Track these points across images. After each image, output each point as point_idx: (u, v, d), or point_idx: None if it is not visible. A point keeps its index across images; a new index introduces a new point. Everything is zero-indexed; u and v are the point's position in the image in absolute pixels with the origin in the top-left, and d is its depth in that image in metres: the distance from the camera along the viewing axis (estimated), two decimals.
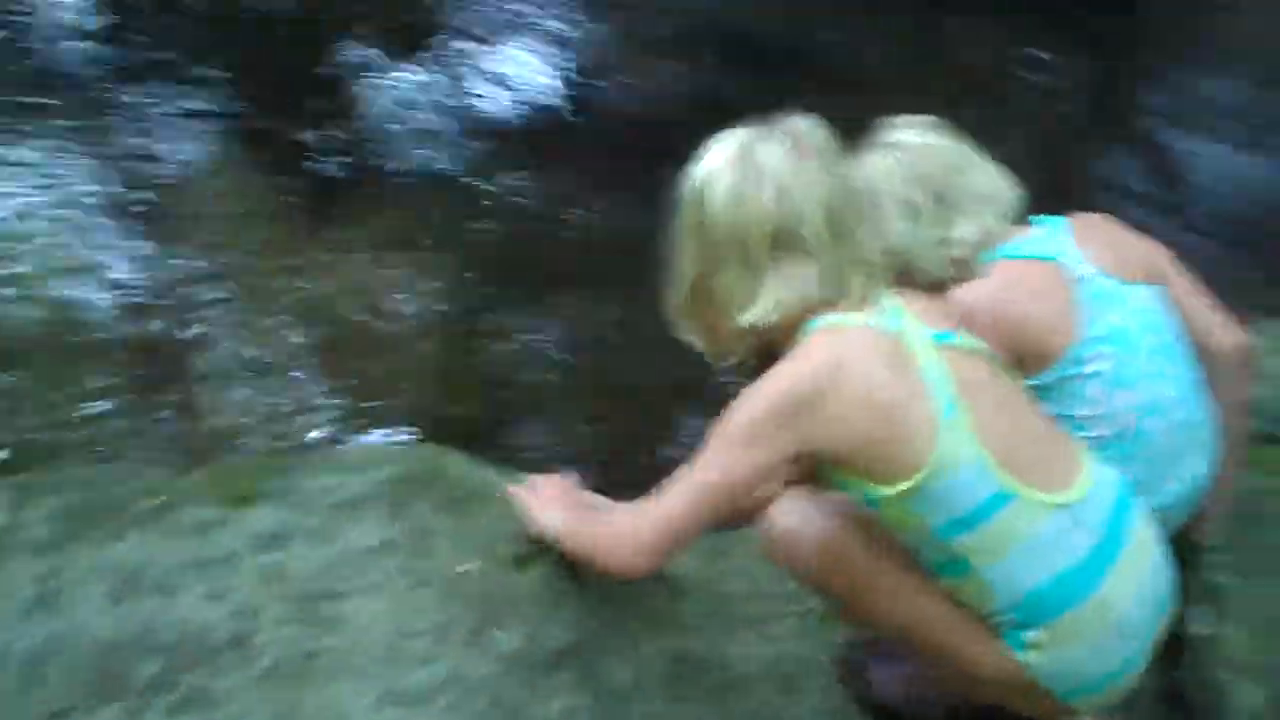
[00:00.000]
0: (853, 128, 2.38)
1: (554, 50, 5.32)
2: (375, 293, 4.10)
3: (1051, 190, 2.90)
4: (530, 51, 5.29)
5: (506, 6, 5.44)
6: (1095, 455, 2.22)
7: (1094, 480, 2.12)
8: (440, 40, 5.32)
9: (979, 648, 2.10)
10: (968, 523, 2.01)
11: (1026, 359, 2.40)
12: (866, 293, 2.08)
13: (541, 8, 5.48)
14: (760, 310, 2.08)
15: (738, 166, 2.07)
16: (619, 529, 2.11)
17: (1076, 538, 2.05)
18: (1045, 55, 5.26)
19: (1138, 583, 2.10)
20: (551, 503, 2.30)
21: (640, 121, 4.82)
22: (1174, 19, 5.10)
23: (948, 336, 2.10)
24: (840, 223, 2.07)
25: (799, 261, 2.06)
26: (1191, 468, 2.53)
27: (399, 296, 4.10)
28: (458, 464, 2.54)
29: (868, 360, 2.01)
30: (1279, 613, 2.59)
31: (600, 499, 2.38)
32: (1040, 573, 2.03)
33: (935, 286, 2.40)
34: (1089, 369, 2.44)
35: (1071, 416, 2.40)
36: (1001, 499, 2.01)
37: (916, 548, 2.10)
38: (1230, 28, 5.07)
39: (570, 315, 4.09)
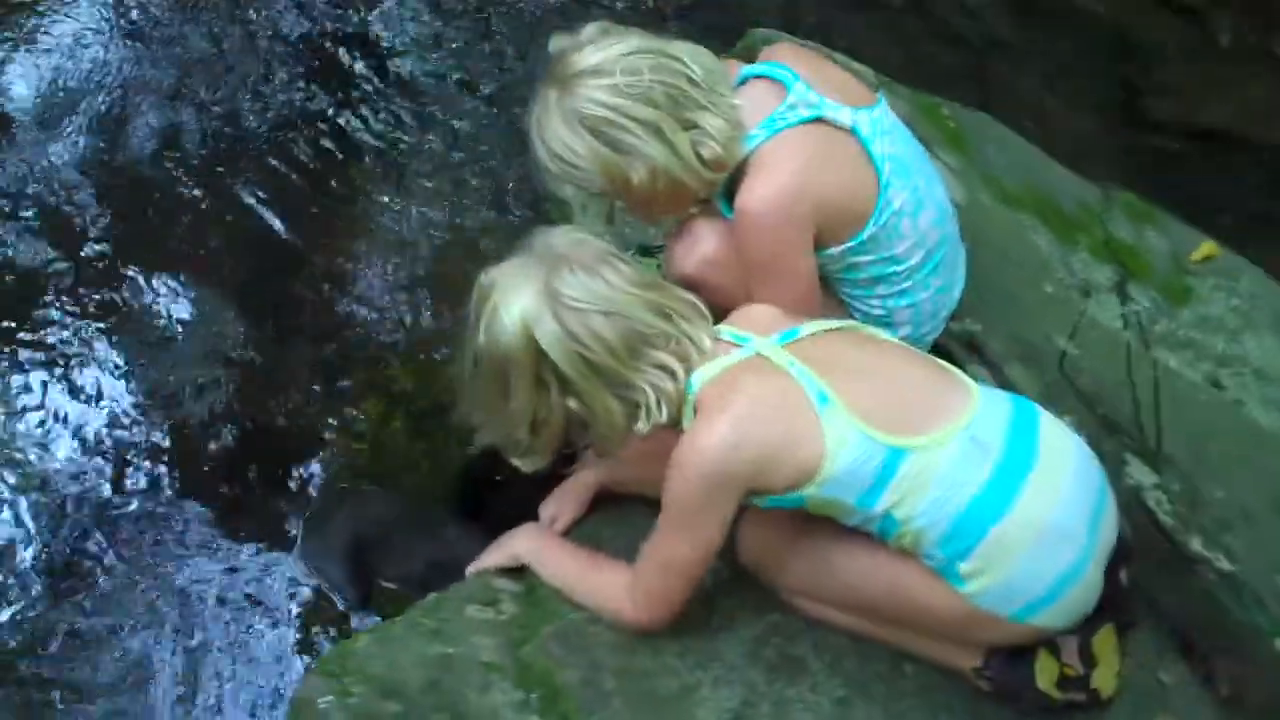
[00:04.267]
0: None
1: None
2: None
3: None
4: None
5: None
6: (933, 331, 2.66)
7: (980, 404, 2.25)
8: None
9: (928, 591, 2.24)
10: (878, 487, 2.17)
11: (846, 226, 2.51)
12: (710, 335, 2.28)
13: None
14: (650, 414, 2.23)
15: (557, 310, 2.18)
16: (625, 590, 2.34)
17: (979, 460, 2.19)
18: None
19: (1058, 489, 2.21)
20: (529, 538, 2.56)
21: None
22: None
23: (790, 335, 2.29)
24: (666, 305, 2.26)
25: (656, 354, 2.23)
26: (963, 255, 2.77)
27: None
28: None
29: (760, 399, 2.19)
30: None
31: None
32: (955, 503, 2.17)
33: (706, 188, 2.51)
34: (896, 207, 2.52)
35: (893, 256, 2.56)
36: (896, 455, 2.17)
37: (850, 521, 2.25)
38: None
39: None
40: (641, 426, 2.24)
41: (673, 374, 2.23)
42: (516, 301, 2.19)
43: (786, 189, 2.44)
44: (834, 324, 2.37)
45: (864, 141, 2.50)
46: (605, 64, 2.37)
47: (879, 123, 2.54)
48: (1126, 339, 2.94)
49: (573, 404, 2.23)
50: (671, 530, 2.24)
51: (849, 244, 2.53)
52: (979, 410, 2.23)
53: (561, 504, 2.67)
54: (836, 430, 2.15)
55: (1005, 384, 2.82)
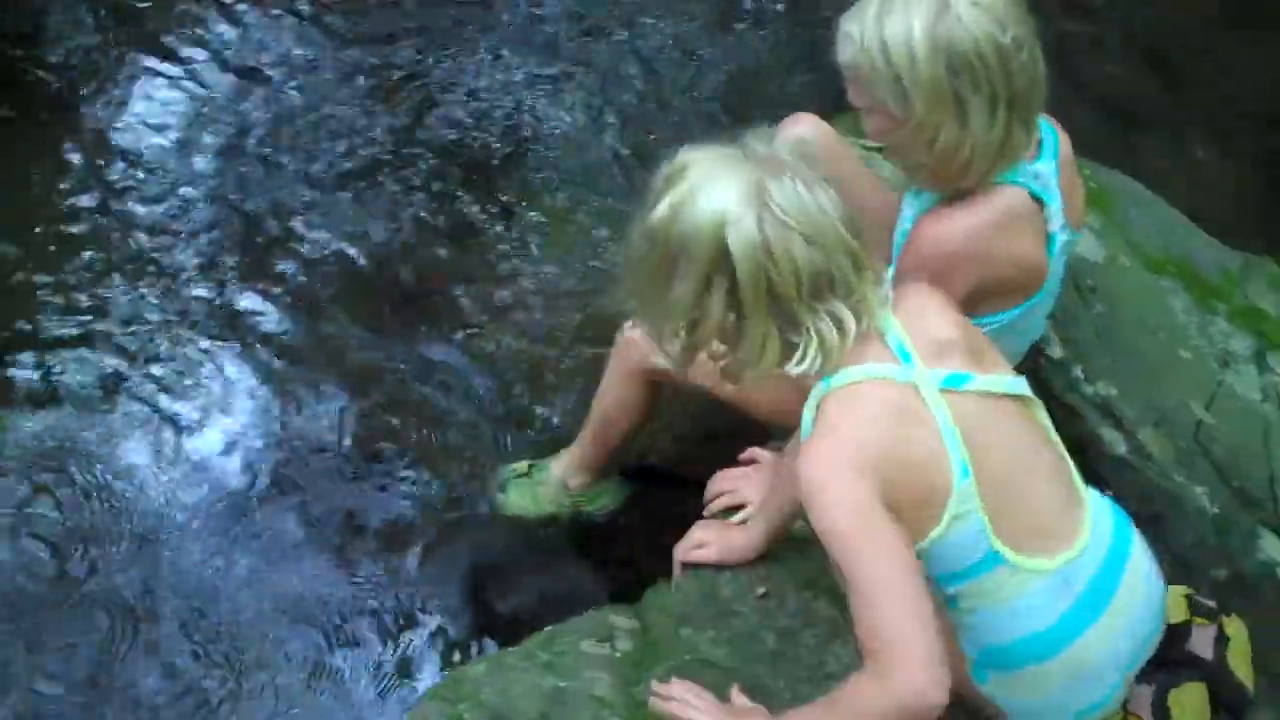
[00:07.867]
0: None
1: None
2: None
3: None
4: None
5: None
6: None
7: (1086, 539, 2.12)
8: None
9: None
10: (960, 576, 2.07)
11: (1007, 298, 2.43)
12: (880, 318, 2.06)
13: None
14: (805, 360, 2.01)
15: (762, 214, 1.95)
16: (867, 675, 1.95)
17: (1058, 598, 2.09)
18: None
19: (1116, 632, 2.15)
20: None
21: None
22: None
23: (958, 381, 2.05)
24: (863, 259, 2.02)
25: (835, 302, 2.01)
26: None
27: None
28: None
29: (887, 424, 2.00)
30: None
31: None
32: (1008, 634, 2.10)
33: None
34: (1039, 310, 2.55)
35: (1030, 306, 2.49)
36: (993, 560, 2.05)
37: None
38: None
39: None
40: (791, 369, 2.03)
41: (842, 328, 2.00)
42: (719, 192, 1.97)
43: (967, 240, 2.33)
44: (1005, 388, 2.13)
45: (1053, 250, 2.44)
46: (997, 6, 2.20)
47: (1068, 246, 2.50)
48: (1265, 411, 2.88)
49: (730, 318, 2.02)
50: (853, 563, 1.95)
51: (1002, 315, 2.45)
52: (1083, 548, 2.11)
53: (720, 550, 2.58)
54: (962, 506, 2.00)
55: (1138, 448, 2.79)
